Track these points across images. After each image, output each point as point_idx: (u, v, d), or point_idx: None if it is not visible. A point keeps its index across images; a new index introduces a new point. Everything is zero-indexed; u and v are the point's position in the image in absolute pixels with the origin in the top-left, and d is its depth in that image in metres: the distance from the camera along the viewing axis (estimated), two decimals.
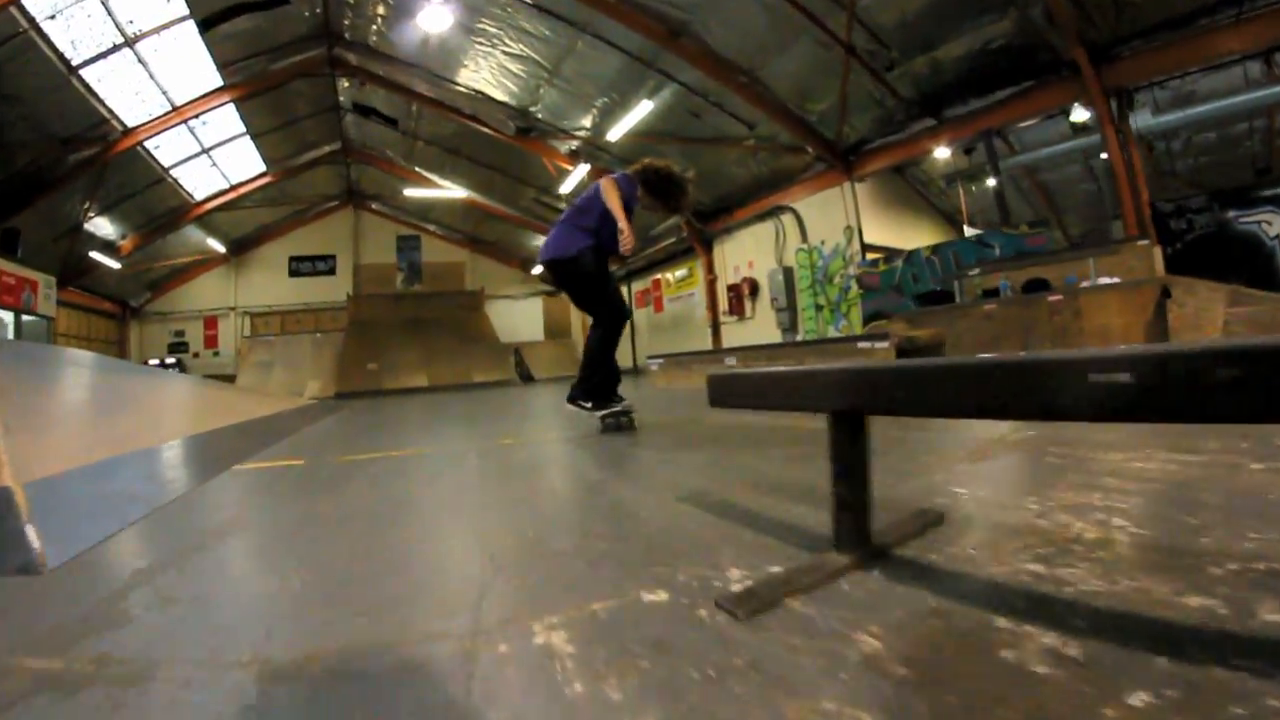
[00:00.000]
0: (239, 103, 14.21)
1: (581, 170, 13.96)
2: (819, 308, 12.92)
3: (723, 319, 15.67)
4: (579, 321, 24.22)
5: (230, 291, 21.99)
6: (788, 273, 13.46)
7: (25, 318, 14.35)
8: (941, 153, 11.78)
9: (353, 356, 17.83)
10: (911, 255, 11.31)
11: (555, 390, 10.57)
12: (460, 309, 21.25)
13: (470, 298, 22.40)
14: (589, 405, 3.71)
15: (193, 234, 19.41)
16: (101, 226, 16.40)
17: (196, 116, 13.92)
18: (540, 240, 20.33)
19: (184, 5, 11.28)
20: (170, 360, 20.55)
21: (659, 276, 19.28)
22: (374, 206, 23.19)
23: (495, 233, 22.45)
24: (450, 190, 18.09)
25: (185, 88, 13.42)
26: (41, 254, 15.42)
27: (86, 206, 15.20)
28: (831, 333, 12.57)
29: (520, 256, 23.56)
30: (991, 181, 15.00)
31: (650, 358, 8.05)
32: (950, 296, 9.21)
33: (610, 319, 3.83)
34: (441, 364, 17.92)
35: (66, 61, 11.54)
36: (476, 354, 18.63)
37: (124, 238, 17.34)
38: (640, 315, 20.47)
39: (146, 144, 14.29)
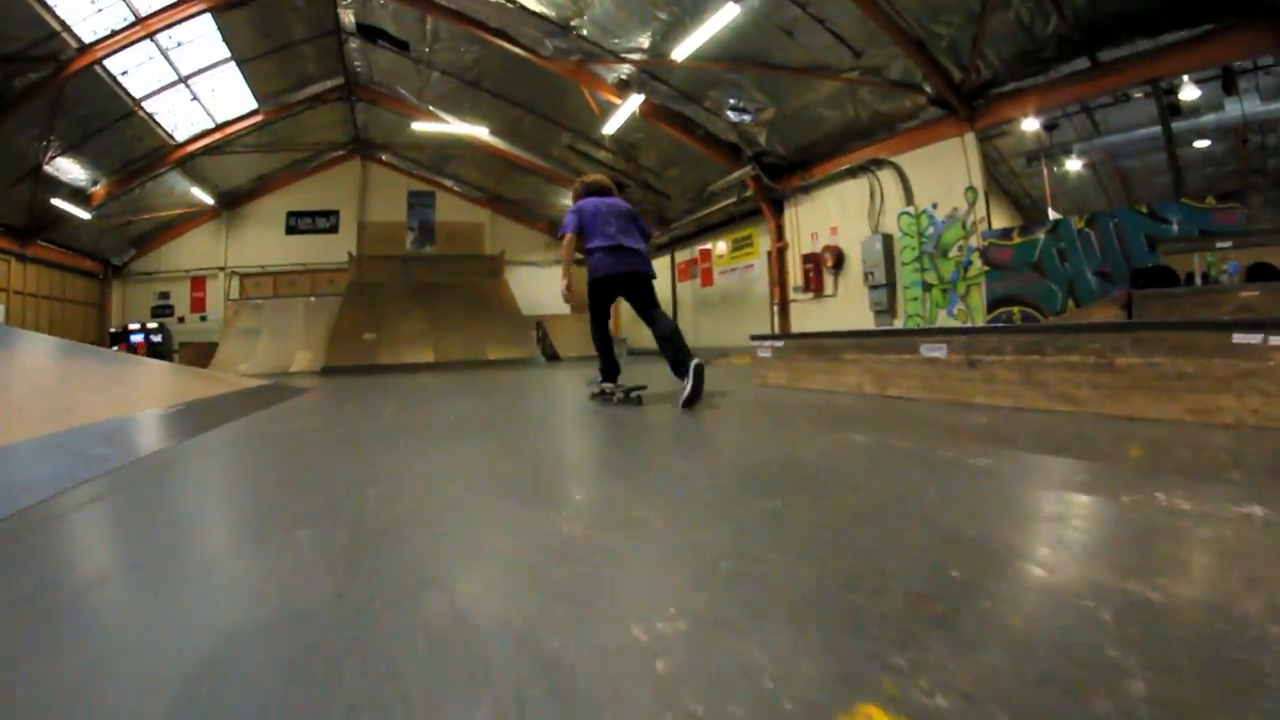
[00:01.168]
0: (218, 14, 12.10)
1: (632, 104, 11.59)
2: (927, 287, 10.51)
3: (793, 296, 13.26)
4: None
5: (221, 249, 20.06)
6: (887, 242, 11.01)
7: None
8: (1030, 124, 9.58)
9: (348, 325, 15.68)
10: (1058, 225, 8.91)
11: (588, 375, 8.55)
12: (477, 275, 18.98)
13: (489, 263, 20.10)
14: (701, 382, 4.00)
15: (177, 183, 17.44)
16: (67, 170, 14.51)
17: (166, 29, 11.86)
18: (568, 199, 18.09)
19: None
20: (152, 325, 18.73)
21: (709, 245, 16.83)
22: (384, 158, 21.03)
23: (519, 190, 20.19)
24: (466, 128, 15.60)
25: None
26: None
27: (44, 145, 13.31)
28: (944, 319, 10.15)
29: (547, 218, 21.33)
30: (1076, 163, 12.64)
31: (756, 339, 5.67)
32: (1170, 276, 6.80)
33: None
34: (451, 337, 15.69)
35: None
36: (493, 327, 16.28)
37: (95, 184, 15.44)
38: (683, 290, 18.11)
39: (109, 66, 12.38)
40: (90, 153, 14.35)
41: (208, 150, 16.57)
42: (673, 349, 4.15)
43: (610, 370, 4.66)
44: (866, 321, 11.33)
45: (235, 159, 17.89)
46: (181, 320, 19.69)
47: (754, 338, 5.78)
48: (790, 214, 13.36)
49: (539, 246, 21.93)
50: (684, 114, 12.54)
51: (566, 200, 19.14)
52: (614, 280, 4.48)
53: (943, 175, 10.12)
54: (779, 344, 5.44)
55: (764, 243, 14.63)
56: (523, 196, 20.59)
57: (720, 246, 16.37)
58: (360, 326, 15.63)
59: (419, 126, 15.69)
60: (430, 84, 15.54)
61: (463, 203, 21.63)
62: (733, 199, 14.43)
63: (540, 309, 20.13)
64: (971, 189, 9.79)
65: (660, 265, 18.96)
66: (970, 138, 9.73)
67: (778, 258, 13.65)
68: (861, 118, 10.91)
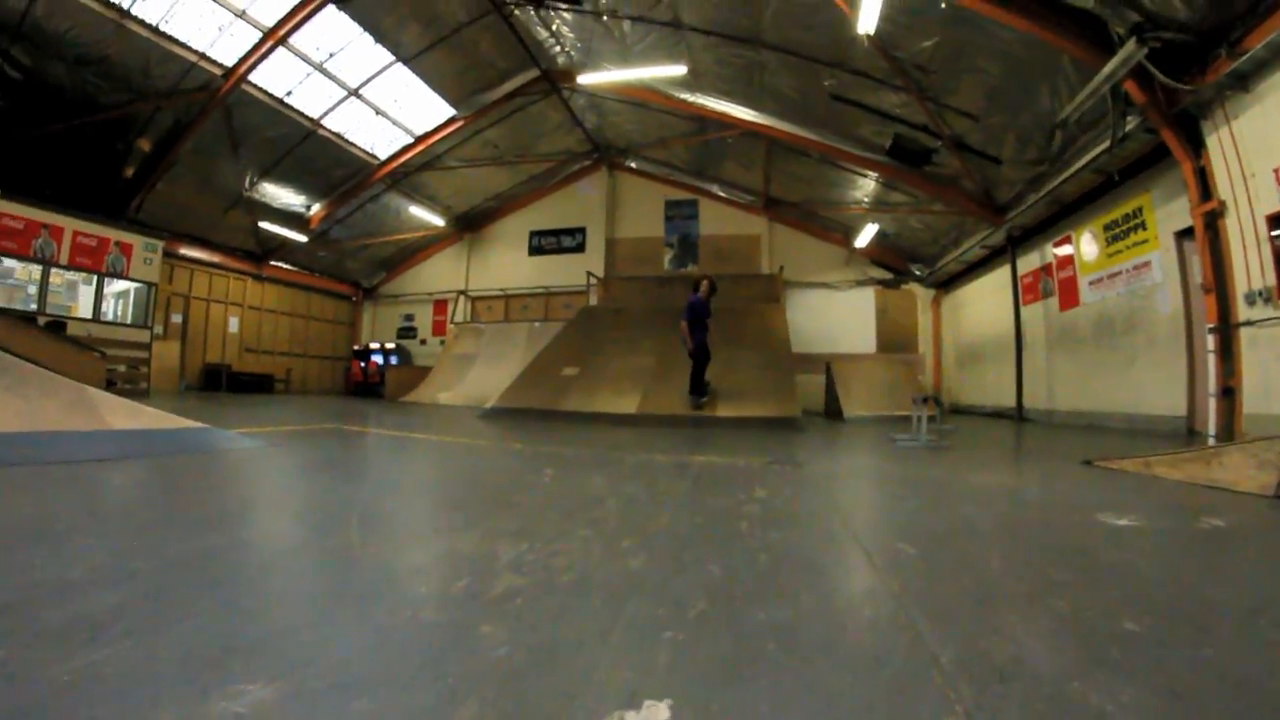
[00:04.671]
0: (341, 3, 11.39)
1: None
2: None
3: (1246, 314, 6.18)
4: (930, 329, 16.44)
5: (462, 272, 20.28)
6: None
7: (122, 282, 13.49)
8: None
9: (553, 355, 12.93)
10: None
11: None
12: (747, 299, 14.96)
13: (764, 284, 16.06)
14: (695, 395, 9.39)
15: (401, 204, 17.51)
16: (275, 195, 15.47)
17: (295, 31, 11.67)
18: (867, 179, 14.13)
19: None
20: (390, 345, 20.00)
21: (1068, 241, 10.03)
22: (632, 164, 18.46)
23: (798, 186, 15.60)
24: (648, 71, 12.14)
25: (262, 3, 11.34)
26: (216, 226, 15.55)
27: (239, 171, 14.16)
28: None
29: (843, 225, 16.20)
30: None
31: None
32: None
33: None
34: (673, 380, 11.17)
35: (110, 3, 10.43)
36: (744, 369, 11.32)
37: (309, 207, 16.31)
38: (1031, 319, 11.36)
39: (268, 88, 12.94)
40: (288, 176, 14.88)
41: (420, 167, 16.20)
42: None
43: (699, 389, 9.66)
44: None
45: (463, 177, 17.34)
46: (423, 343, 20.50)
47: None
48: (1219, 140, 6.45)
49: (833, 262, 16.91)
50: None
51: (858, 192, 14.20)
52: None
53: None
54: None
55: (1165, 219, 7.73)
56: (806, 196, 15.89)
57: (1086, 243, 9.46)
58: (566, 358, 12.68)
59: (585, 80, 12.62)
60: (627, 41, 12.23)
61: (732, 211, 17.77)
62: (1103, 145, 7.84)
63: (833, 345, 15.78)
64: None
65: (996, 281, 12.81)
66: None
67: (1205, 234, 6.71)
68: None
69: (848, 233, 16.02)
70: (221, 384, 15.59)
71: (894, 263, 16.21)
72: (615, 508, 3.02)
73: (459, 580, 1.79)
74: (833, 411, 13.03)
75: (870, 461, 5.36)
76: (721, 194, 17.74)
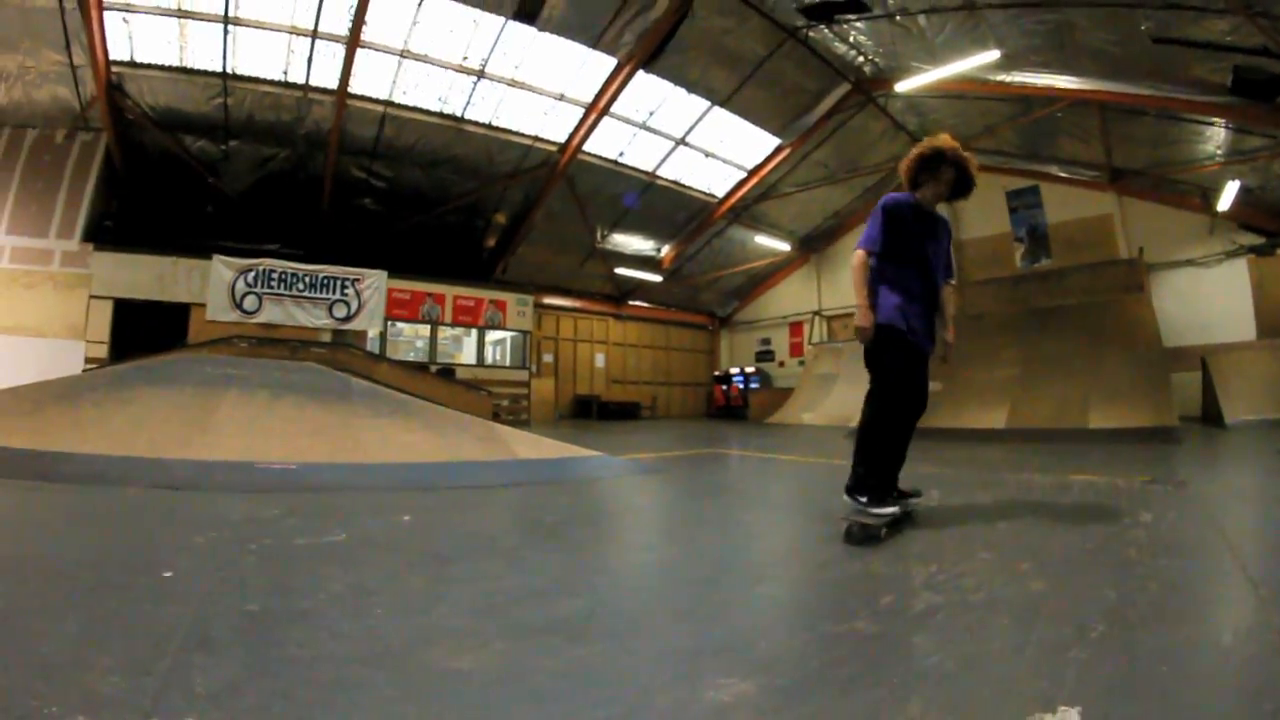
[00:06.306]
0: (647, 67, 13.28)
1: None
2: None
3: None
4: None
5: (813, 293, 21.49)
6: None
7: (499, 332, 17.18)
8: None
9: None
10: None
11: None
12: (1105, 291, 13.50)
13: (1121, 271, 14.19)
14: (864, 500, 3.05)
15: (745, 236, 19.62)
16: (625, 243, 18.57)
17: (613, 102, 13.75)
18: (1215, 127, 12.20)
19: None
20: (749, 369, 21.73)
21: None
22: None
23: (1141, 152, 13.96)
24: (959, 66, 12.17)
25: (577, 84, 13.54)
26: (576, 277, 19.09)
27: (590, 227, 17.38)
28: None
29: (1198, 187, 14.02)
30: None
31: None
32: None
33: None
34: (1041, 389, 11.02)
35: (445, 115, 13.28)
36: (1108, 371, 10.65)
37: (658, 250, 19.18)
38: None
39: (601, 153, 15.33)
40: (635, 225, 17.78)
41: (758, 198, 17.99)
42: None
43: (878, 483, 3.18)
44: None
45: (800, 201, 18.67)
46: (781, 365, 22.03)
47: None
48: None
49: (1195, 234, 14.55)
50: None
51: (1208, 145, 12.95)
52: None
53: None
54: None
55: None
56: (1151, 160, 14.13)
57: None
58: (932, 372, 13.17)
59: (902, 87, 13.34)
60: (927, 36, 12.59)
61: (1076, 191, 16.24)
62: None
63: (1206, 334, 13.79)
64: None
65: None
66: None
67: None
68: None
69: (1205, 195, 13.75)
70: (592, 413, 18.72)
71: (1264, 223, 13.37)
72: (1007, 530, 3.19)
73: (885, 596, 2.10)
74: (1211, 415, 11.38)
75: (1254, 480, 5.30)
76: (1062, 174, 16.36)
